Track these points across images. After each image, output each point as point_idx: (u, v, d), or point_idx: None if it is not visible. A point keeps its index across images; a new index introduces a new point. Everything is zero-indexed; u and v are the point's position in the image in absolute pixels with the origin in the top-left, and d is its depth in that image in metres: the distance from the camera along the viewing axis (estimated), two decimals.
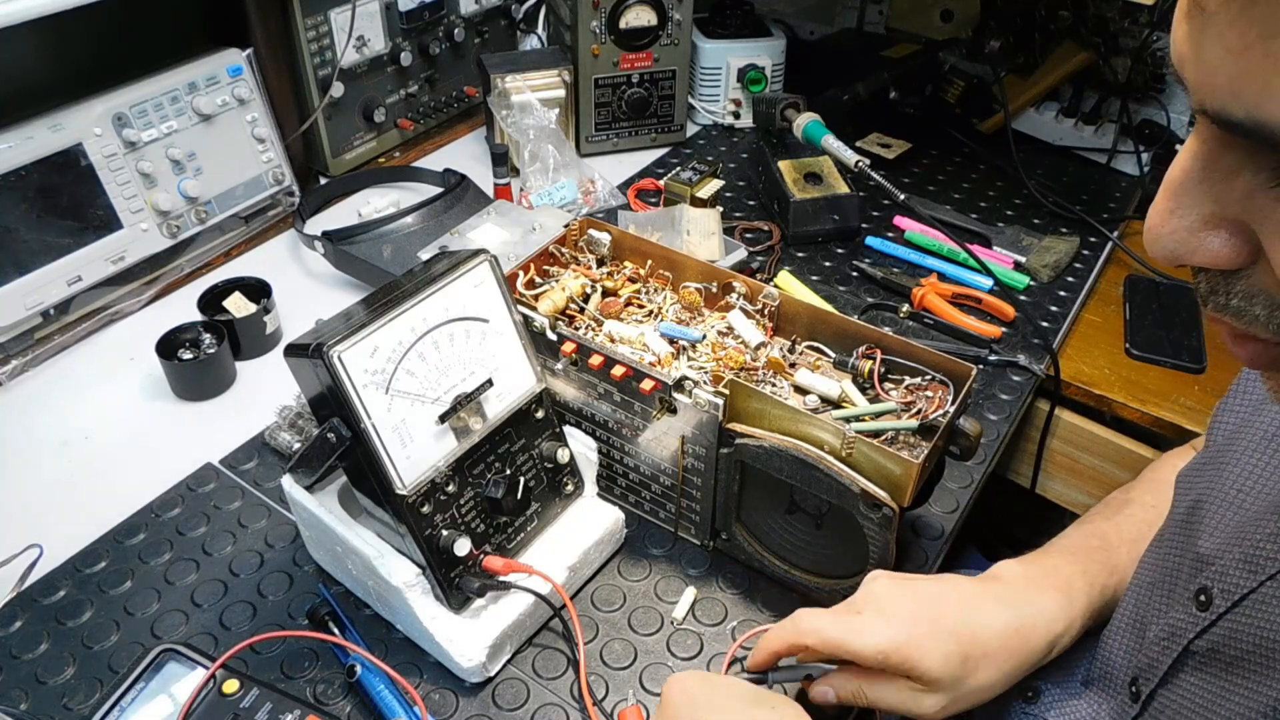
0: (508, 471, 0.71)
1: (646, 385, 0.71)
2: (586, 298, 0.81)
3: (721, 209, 1.14)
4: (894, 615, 0.61)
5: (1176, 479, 0.66)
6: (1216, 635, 0.55)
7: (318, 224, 1.19)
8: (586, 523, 0.76)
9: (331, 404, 0.62)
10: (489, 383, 0.68)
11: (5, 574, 0.75)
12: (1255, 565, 0.54)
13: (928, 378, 0.72)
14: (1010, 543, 0.72)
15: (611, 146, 1.38)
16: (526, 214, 1.00)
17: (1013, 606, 0.64)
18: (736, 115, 1.45)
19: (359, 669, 0.67)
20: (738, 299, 0.80)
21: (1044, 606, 0.65)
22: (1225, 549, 0.57)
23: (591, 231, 0.85)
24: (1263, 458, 0.58)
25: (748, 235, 1.19)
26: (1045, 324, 1.07)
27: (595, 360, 0.73)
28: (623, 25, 1.28)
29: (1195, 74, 0.31)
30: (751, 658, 0.66)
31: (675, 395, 0.71)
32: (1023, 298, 1.10)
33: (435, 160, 1.34)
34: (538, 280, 0.82)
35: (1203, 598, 0.56)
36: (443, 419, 0.66)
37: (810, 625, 0.62)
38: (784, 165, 1.19)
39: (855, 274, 1.12)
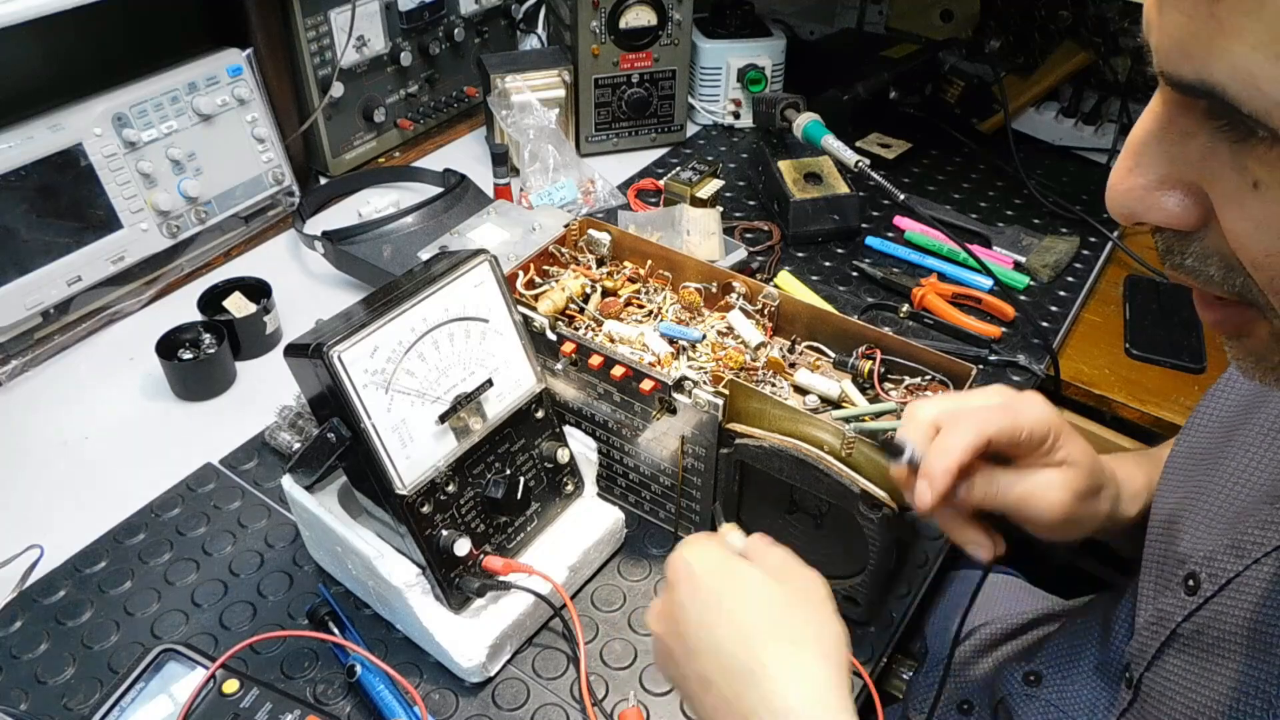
0: (508, 471, 0.71)
1: (646, 385, 0.71)
2: (586, 298, 0.81)
3: (721, 209, 1.14)
4: (1035, 394, 0.61)
5: (1166, 471, 0.66)
6: (1202, 618, 0.56)
7: (318, 224, 1.19)
8: (586, 523, 0.76)
9: (331, 404, 0.62)
10: (489, 383, 0.68)
11: (5, 574, 0.75)
12: (1242, 550, 0.55)
13: (928, 378, 0.72)
14: (1010, 543, 0.73)
15: (611, 146, 1.38)
16: (526, 214, 1.00)
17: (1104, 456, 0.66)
18: (736, 115, 1.45)
19: (359, 669, 0.67)
20: (738, 299, 0.80)
21: (1125, 472, 0.68)
22: (1217, 538, 0.57)
23: (591, 231, 0.85)
24: (1258, 450, 0.59)
25: (748, 235, 1.19)
26: (1045, 324, 1.07)
27: (595, 360, 0.73)
28: (623, 25, 1.28)
29: (1157, 38, 0.33)
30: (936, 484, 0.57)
31: (675, 395, 0.71)
32: (1023, 298, 1.10)
33: (435, 160, 1.34)
34: (538, 280, 0.82)
35: (1191, 583, 0.57)
36: (443, 419, 0.66)
37: (981, 417, 0.58)
38: (784, 165, 1.19)
39: (855, 274, 1.12)
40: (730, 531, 0.58)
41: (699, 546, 0.55)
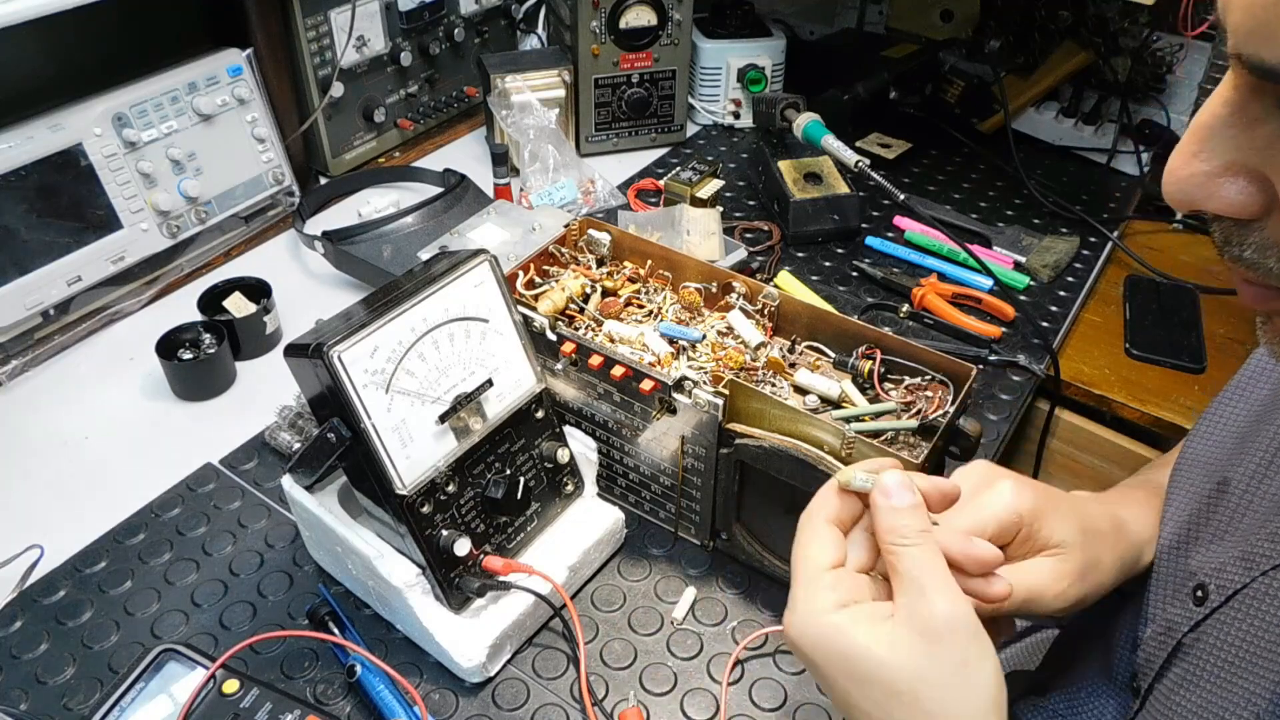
0: (508, 471, 0.71)
1: (646, 385, 0.71)
2: (586, 298, 0.81)
3: (721, 209, 1.14)
4: (1005, 480, 0.57)
5: (1173, 483, 0.65)
6: (1207, 629, 0.55)
7: (318, 224, 1.19)
8: (586, 523, 0.76)
9: (331, 404, 0.62)
10: (489, 383, 0.68)
11: (6, 574, 0.75)
12: (1250, 561, 0.54)
13: (928, 378, 0.72)
14: None
15: (611, 146, 1.38)
16: (526, 214, 1.00)
17: (1105, 503, 0.64)
18: (736, 115, 1.45)
19: (359, 669, 0.67)
20: (738, 299, 0.80)
21: (1132, 514, 0.64)
22: (1228, 549, 0.57)
23: (591, 231, 0.85)
24: (1265, 457, 0.58)
25: (748, 235, 1.19)
26: (1045, 324, 1.07)
27: (595, 360, 0.73)
28: (623, 25, 1.28)
29: (1236, 18, 0.32)
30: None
31: (675, 395, 0.71)
32: (1023, 298, 1.10)
33: (435, 160, 1.34)
34: (538, 280, 0.82)
35: (1199, 593, 0.57)
36: (443, 419, 0.66)
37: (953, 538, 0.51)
38: (784, 165, 1.19)
39: (855, 274, 1.12)
40: (855, 478, 0.50)
41: (808, 630, 0.48)
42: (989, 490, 0.56)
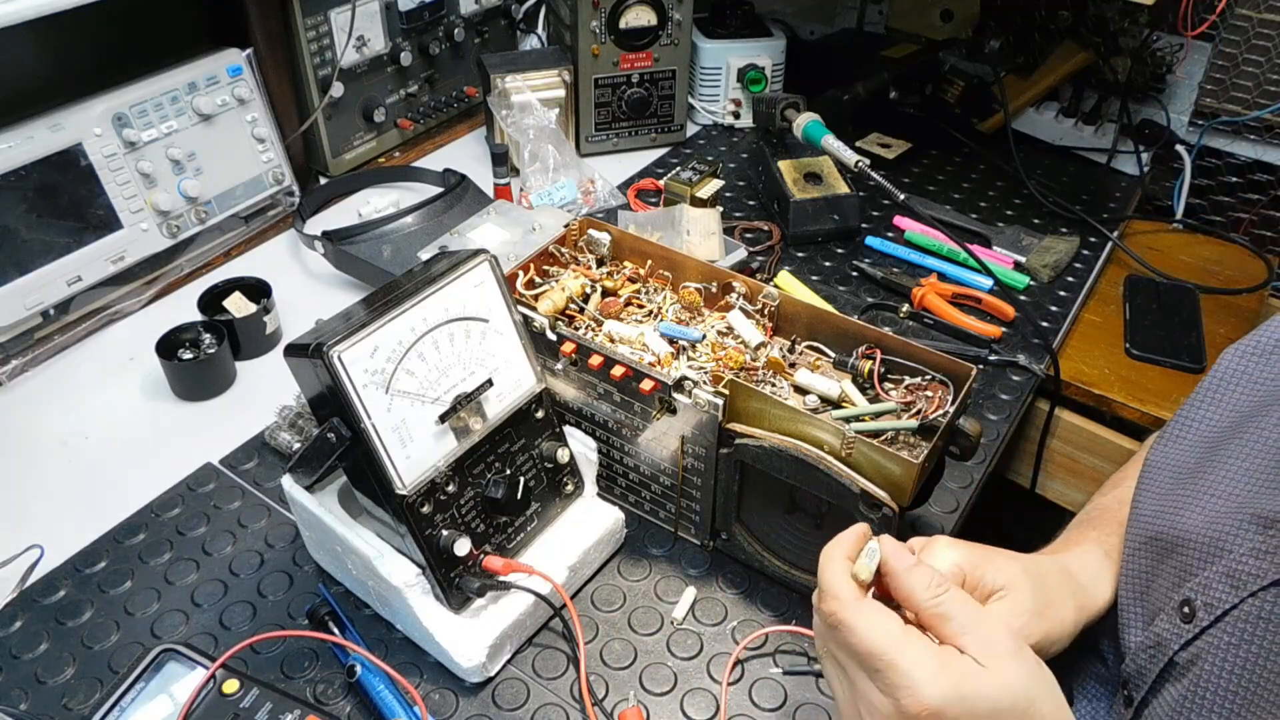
0: (508, 471, 0.71)
1: (646, 385, 0.71)
2: (586, 298, 0.81)
3: (721, 209, 1.14)
4: (938, 539, 0.61)
5: (1141, 487, 0.65)
6: (1202, 650, 0.55)
7: (318, 224, 1.19)
8: (586, 523, 0.76)
9: (331, 404, 0.62)
10: (489, 383, 0.68)
11: (6, 574, 0.75)
12: (1238, 581, 0.54)
13: (928, 378, 0.72)
14: (1010, 543, 0.72)
15: (611, 146, 1.38)
16: (526, 214, 1.00)
17: (1048, 555, 0.66)
18: (736, 115, 1.45)
19: (359, 669, 0.67)
20: (738, 299, 0.80)
21: (1075, 557, 0.66)
22: (1206, 560, 0.57)
23: (591, 231, 0.85)
24: (1240, 463, 0.58)
25: (748, 235, 1.19)
26: (1045, 324, 1.07)
27: (595, 360, 0.73)
28: (623, 25, 1.28)
29: None
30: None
31: (675, 395, 0.71)
32: (1023, 298, 1.10)
33: (435, 160, 1.34)
34: (538, 280, 0.82)
35: (1186, 609, 0.56)
36: (443, 419, 0.66)
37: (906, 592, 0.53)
38: (784, 165, 1.19)
39: (855, 274, 1.12)
40: (865, 566, 0.52)
41: (949, 691, 0.49)
42: (926, 553, 0.59)
